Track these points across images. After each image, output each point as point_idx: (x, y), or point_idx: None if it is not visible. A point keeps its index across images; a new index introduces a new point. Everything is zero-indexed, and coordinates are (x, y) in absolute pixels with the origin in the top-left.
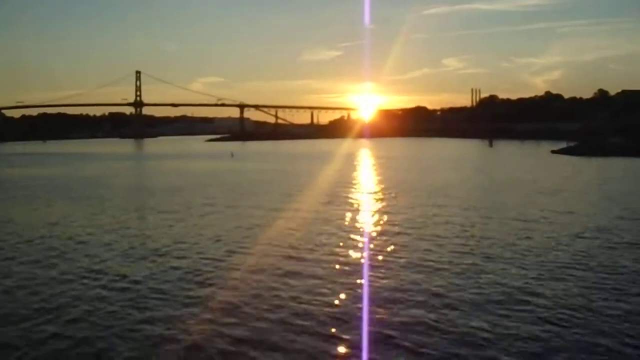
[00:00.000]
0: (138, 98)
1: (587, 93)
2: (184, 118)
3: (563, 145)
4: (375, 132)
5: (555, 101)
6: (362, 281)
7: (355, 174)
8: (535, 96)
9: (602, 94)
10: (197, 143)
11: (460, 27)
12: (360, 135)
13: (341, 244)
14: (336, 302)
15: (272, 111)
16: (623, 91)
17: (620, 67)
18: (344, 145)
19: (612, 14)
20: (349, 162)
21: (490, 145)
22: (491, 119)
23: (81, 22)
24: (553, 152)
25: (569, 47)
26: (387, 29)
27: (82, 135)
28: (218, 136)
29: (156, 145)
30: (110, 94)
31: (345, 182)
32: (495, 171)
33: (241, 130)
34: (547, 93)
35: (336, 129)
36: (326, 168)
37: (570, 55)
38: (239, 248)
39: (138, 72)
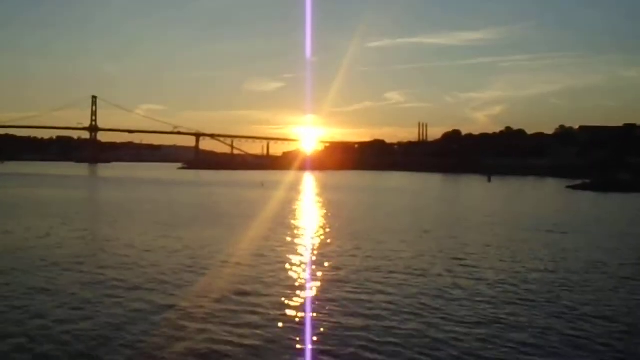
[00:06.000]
0: (94, 123)
1: (530, 127)
2: (130, 144)
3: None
4: (332, 165)
5: (518, 137)
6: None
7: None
8: (500, 132)
9: (564, 130)
10: (171, 171)
11: (402, 61)
12: (317, 167)
13: None
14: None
15: (228, 141)
16: (581, 127)
17: (562, 101)
18: (310, 178)
19: (552, 49)
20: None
21: (489, 180)
22: (457, 154)
23: (23, 45)
24: (568, 187)
25: (510, 82)
26: (330, 61)
27: (30, 158)
28: (180, 165)
29: (127, 170)
30: (60, 117)
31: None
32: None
33: (196, 158)
34: (508, 128)
35: (291, 161)
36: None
37: (511, 90)
38: None
39: (94, 97)
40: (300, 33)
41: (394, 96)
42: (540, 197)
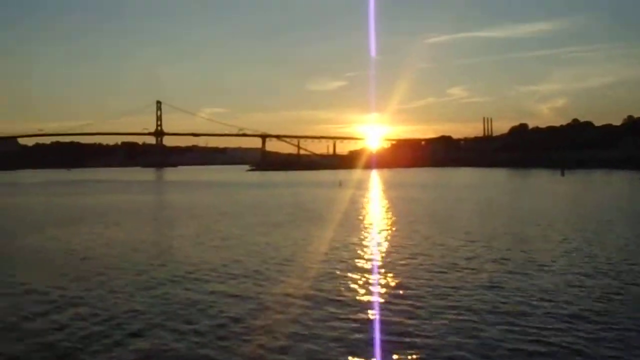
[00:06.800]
0: (159, 127)
1: (595, 119)
2: (194, 148)
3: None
4: (399, 163)
5: (586, 128)
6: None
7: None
8: (567, 124)
9: (632, 120)
10: (240, 173)
11: (463, 56)
12: (384, 165)
13: None
14: None
15: (294, 141)
16: None
17: (625, 93)
18: (379, 176)
19: (612, 40)
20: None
21: (562, 174)
22: (525, 148)
23: (92, 52)
24: None
25: (571, 73)
26: (390, 59)
27: (96, 164)
28: (248, 167)
29: (196, 174)
30: (124, 123)
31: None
32: None
33: (263, 160)
34: (575, 120)
35: (357, 160)
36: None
37: (572, 82)
38: None
39: (159, 102)
40: (358, 33)
41: (456, 91)
42: (629, 191)
